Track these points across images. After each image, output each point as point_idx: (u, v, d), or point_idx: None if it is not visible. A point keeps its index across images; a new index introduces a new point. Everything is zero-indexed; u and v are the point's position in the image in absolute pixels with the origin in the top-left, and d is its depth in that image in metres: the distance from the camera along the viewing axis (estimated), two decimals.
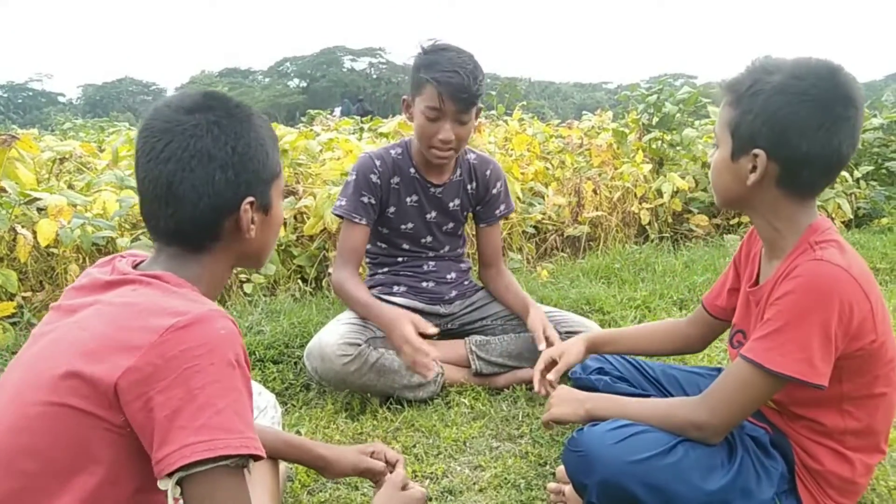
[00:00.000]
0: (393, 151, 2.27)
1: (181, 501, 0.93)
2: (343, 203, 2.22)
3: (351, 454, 1.48)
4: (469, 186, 2.34)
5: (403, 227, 2.30)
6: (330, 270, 3.19)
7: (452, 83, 2.01)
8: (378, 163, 2.22)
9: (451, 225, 2.36)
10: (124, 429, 0.92)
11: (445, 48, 2.08)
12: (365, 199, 2.21)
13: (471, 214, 2.43)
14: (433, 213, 2.31)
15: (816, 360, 1.25)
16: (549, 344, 2.06)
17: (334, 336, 2.04)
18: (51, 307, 1.07)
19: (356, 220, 2.20)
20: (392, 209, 2.27)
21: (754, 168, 1.32)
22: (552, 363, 1.78)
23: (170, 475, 0.88)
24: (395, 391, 2.11)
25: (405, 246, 2.35)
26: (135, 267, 1.09)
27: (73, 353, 0.93)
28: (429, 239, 2.35)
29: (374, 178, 2.22)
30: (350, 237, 2.23)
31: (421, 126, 2.09)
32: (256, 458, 0.94)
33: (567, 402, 1.58)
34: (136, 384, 0.89)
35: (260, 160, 1.10)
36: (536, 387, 1.78)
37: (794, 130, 1.27)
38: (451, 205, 2.32)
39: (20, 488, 0.92)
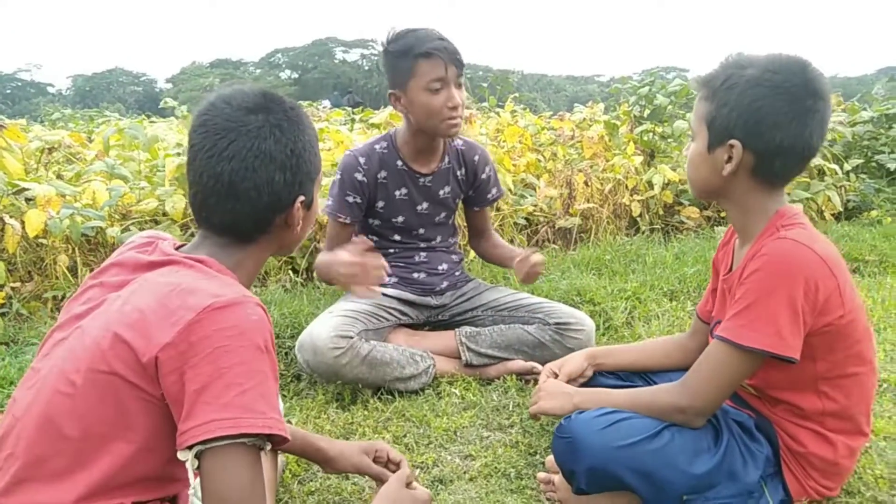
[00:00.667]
0: (378, 146, 2.27)
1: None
2: (330, 203, 2.26)
3: (353, 454, 1.49)
4: (458, 173, 2.35)
5: (394, 220, 2.31)
6: None
7: (448, 49, 2.06)
8: (363, 160, 2.23)
9: (442, 215, 2.37)
10: (161, 400, 0.98)
11: (411, 29, 2.12)
12: (350, 199, 2.23)
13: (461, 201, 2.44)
14: (424, 205, 2.32)
15: (785, 333, 1.29)
16: (526, 264, 2.10)
17: (326, 328, 2.03)
18: (89, 284, 1.12)
19: (341, 220, 2.24)
20: (381, 203, 2.28)
21: (730, 158, 1.38)
22: (553, 376, 1.79)
23: (190, 447, 0.93)
24: (386, 383, 2.11)
25: (396, 237, 2.35)
26: (177, 249, 1.14)
27: (119, 325, 0.98)
28: (421, 231, 2.35)
29: (359, 176, 2.22)
30: (335, 233, 2.28)
31: (427, 103, 2.08)
32: (281, 440, 0.99)
33: (555, 395, 1.60)
34: (173, 359, 0.95)
35: (311, 161, 1.16)
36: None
37: (768, 121, 1.33)
38: (440, 193, 2.33)
39: (57, 452, 0.96)
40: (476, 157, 2.37)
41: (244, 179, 1.08)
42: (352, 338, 2.04)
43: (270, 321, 1.04)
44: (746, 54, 1.39)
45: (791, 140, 1.33)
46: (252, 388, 0.95)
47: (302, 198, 1.14)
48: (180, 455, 0.94)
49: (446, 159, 2.31)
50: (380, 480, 1.49)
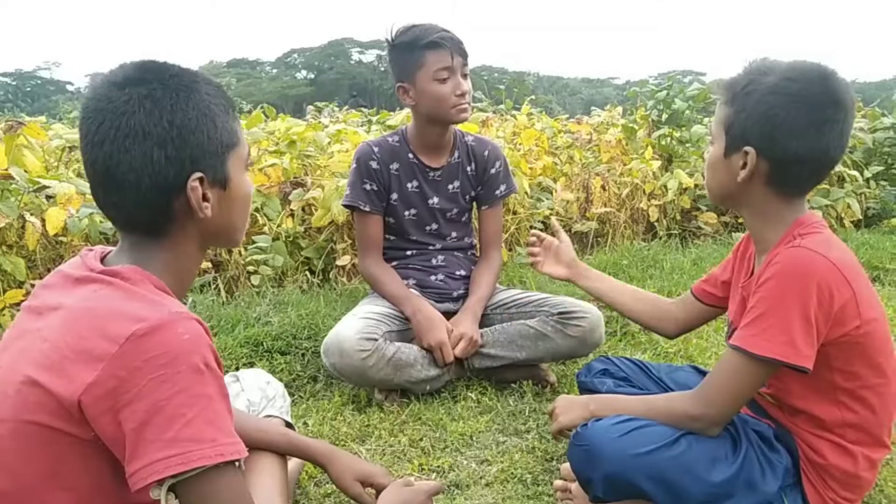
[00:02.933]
0: (390, 139, 2.33)
1: None
2: (348, 193, 2.29)
3: (347, 478, 1.43)
4: (468, 168, 2.36)
5: (407, 213, 2.32)
6: (338, 262, 3.21)
7: (453, 39, 2.13)
8: (377, 149, 2.28)
9: (454, 211, 2.38)
10: (96, 442, 0.90)
11: (414, 24, 2.17)
12: (367, 187, 2.27)
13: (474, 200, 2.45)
14: (435, 199, 2.34)
15: (799, 342, 1.28)
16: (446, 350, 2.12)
17: (351, 331, 2.03)
18: (22, 307, 1.03)
19: (362, 207, 2.26)
20: (395, 196, 2.31)
21: (745, 165, 1.37)
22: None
23: (160, 483, 0.87)
24: (411, 385, 2.10)
25: (412, 237, 2.35)
26: (103, 258, 1.04)
27: (36, 366, 0.90)
28: (434, 226, 2.36)
29: (374, 164, 2.27)
30: (363, 227, 2.31)
31: (435, 93, 2.13)
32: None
33: (571, 408, 1.59)
34: (101, 399, 0.86)
35: (204, 132, 1.00)
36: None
37: (783, 130, 1.31)
38: (450, 187, 2.34)
39: None
40: (486, 153, 2.38)
41: (119, 163, 0.95)
42: (377, 339, 2.04)
43: (208, 332, 0.95)
44: (770, 59, 1.37)
45: (807, 150, 1.32)
46: (197, 415, 0.87)
47: (198, 175, 0.99)
48: (152, 493, 0.88)
49: (456, 154, 2.34)
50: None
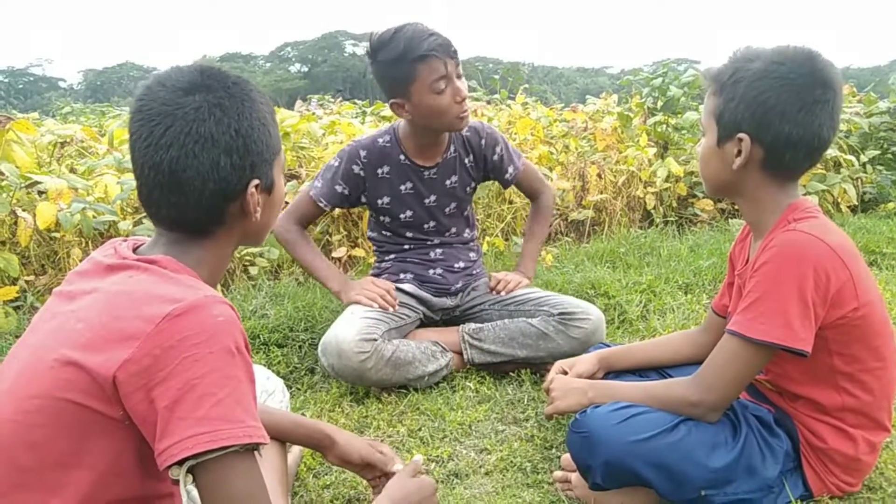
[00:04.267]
0: (381, 140, 2.24)
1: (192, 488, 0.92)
2: (318, 185, 2.26)
3: (360, 443, 1.46)
4: (466, 160, 2.31)
5: (403, 216, 2.28)
6: (334, 254, 3.19)
7: (442, 44, 1.99)
8: (363, 153, 2.22)
9: (453, 206, 2.33)
10: (123, 422, 0.91)
11: (397, 30, 2.01)
12: (339, 188, 2.24)
13: (490, 184, 2.41)
14: (432, 197, 2.29)
15: (796, 325, 1.28)
16: (497, 283, 2.34)
17: (351, 332, 2.00)
18: (53, 292, 1.04)
19: (321, 205, 2.26)
20: (387, 199, 2.26)
21: (739, 152, 1.37)
22: (563, 373, 1.77)
23: (180, 464, 0.87)
24: (409, 381, 2.09)
25: (409, 234, 2.33)
26: (135, 250, 1.06)
27: (70, 345, 0.91)
28: (431, 224, 2.33)
29: (356, 169, 2.23)
30: (307, 207, 2.30)
31: (435, 104, 2.03)
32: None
33: (569, 392, 1.59)
34: (135, 376, 0.88)
35: (263, 140, 1.06)
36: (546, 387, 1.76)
37: (775, 113, 1.32)
38: (447, 183, 2.29)
39: (17, 483, 0.90)
40: (483, 141, 2.30)
41: (186, 168, 0.99)
42: (376, 340, 2.02)
43: (239, 318, 0.97)
44: (754, 48, 1.38)
45: (800, 131, 1.32)
46: (227, 395, 0.89)
47: (256, 181, 1.05)
48: (171, 473, 0.88)
49: (451, 149, 2.27)
50: (376, 480, 1.46)
